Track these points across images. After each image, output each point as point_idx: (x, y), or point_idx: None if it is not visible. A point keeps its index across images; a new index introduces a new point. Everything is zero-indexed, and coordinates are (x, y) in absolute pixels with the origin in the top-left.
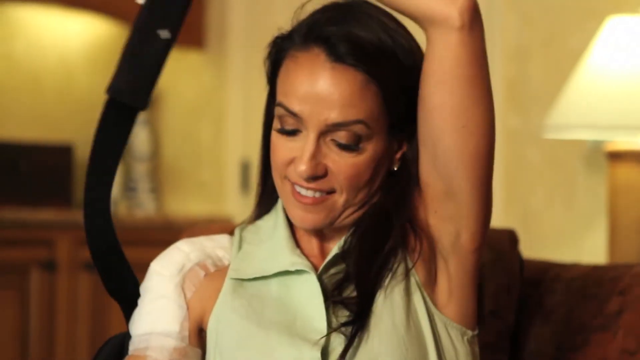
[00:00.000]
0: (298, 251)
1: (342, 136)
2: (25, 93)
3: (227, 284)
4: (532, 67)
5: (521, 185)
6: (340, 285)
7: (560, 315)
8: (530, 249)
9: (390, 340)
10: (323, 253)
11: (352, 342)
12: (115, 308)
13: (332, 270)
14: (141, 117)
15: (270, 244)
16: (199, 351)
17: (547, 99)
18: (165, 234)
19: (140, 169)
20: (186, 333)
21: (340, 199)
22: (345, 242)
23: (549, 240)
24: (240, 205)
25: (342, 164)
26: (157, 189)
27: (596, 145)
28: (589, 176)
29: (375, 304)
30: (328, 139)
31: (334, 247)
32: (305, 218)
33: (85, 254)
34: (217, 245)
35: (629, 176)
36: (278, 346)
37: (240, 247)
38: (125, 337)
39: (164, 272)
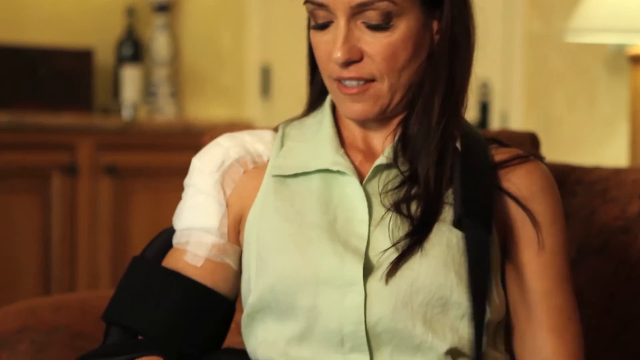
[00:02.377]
0: (342, 151)
1: (371, 16)
2: None
3: (268, 181)
4: None
5: (542, 90)
6: (391, 193)
7: (581, 218)
8: (552, 154)
9: (437, 265)
10: (371, 154)
11: (403, 258)
12: (135, 211)
13: (379, 178)
14: (161, 21)
15: (315, 141)
16: (238, 248)
17: (570, 3)
18: (185, 138)
19: (161, 74)
20: (225, 230)
21: (383, 85)
22: (393, 147)
23: (571, 145)
24: (260, 109)
25: (376, 45)
26: (177, 94)
27: (618, 49)
28: (610, 80)
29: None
30: (359, 22)
31: (380, 156)
32: (354, 109)
33: (106, 158)
34: (257, 140)
35: None
36: (320, 254)
37: (282, 143)
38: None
39: (204, 168)
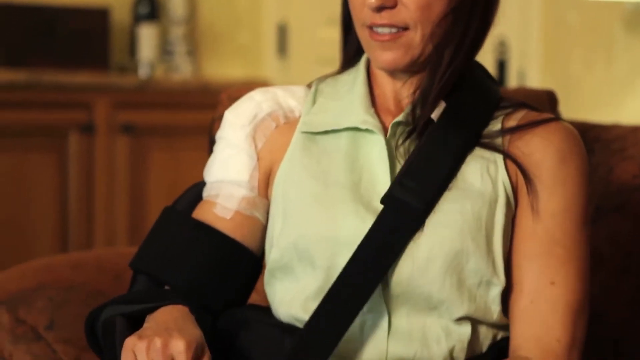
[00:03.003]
0: (372, 111)
1: None
2: None
3: (298, 138)
4: None
5: (560, 48)
6: (401, 148)
7: (600, 176)
8: (570, 112)
9: (453, 233)
10: (399, 112)
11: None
12: (152, 169)
13: (396, 134)
14: None
15: (346, 99)
16: (267, 202)
17: None
18: (202, 97)
19: (177, 32)
20: (255, 183)
21: (416, 35)
22: (413, 103)
23: (589, 103)
24: (276, 68)
25: None
26: (193, 52)
27: (636, 7)
28: (628, 38)
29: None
30: None
31: (402, 114)
32: (384, 57)
33: (123, 116)
34: (290, 95)
35: None
36: (342, 214)
37: (314, 100)
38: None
39: (236, 121)
